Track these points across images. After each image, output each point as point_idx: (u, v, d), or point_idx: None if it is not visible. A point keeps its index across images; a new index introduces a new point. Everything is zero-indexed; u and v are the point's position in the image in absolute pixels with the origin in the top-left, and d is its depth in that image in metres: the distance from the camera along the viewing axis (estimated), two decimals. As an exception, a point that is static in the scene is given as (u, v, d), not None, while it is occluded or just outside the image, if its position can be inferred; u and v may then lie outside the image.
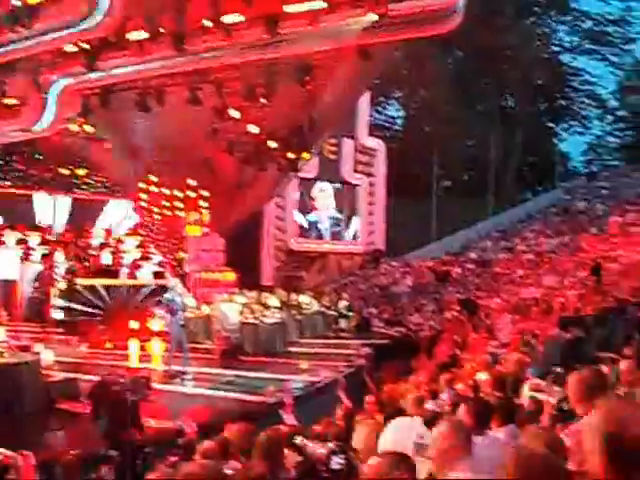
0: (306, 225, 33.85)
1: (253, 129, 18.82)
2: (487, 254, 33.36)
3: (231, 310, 19.79)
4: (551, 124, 57.22)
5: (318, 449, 6.42)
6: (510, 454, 2.64)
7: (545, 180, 50.98)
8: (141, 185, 23.12)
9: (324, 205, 34.52)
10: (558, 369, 9.38)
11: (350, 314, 23.46)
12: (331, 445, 6.30)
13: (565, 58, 56.21)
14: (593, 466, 2.53)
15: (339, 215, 35.14)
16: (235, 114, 17.26)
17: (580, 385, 4.68)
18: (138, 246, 25.98)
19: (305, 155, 21.57)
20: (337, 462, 5.54)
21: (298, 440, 6.71)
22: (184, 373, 16.59)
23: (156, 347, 18.90)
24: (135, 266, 24.74)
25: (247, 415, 11.32)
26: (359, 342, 19.26)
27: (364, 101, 33.32)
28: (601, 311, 15.29)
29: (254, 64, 14.85)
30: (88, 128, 18.68)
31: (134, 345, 18.92)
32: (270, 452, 5.07)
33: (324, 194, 34.50)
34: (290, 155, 20.79)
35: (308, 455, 6.43)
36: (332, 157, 33.56)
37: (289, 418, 10.85)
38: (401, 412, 7.63)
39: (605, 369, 6.51)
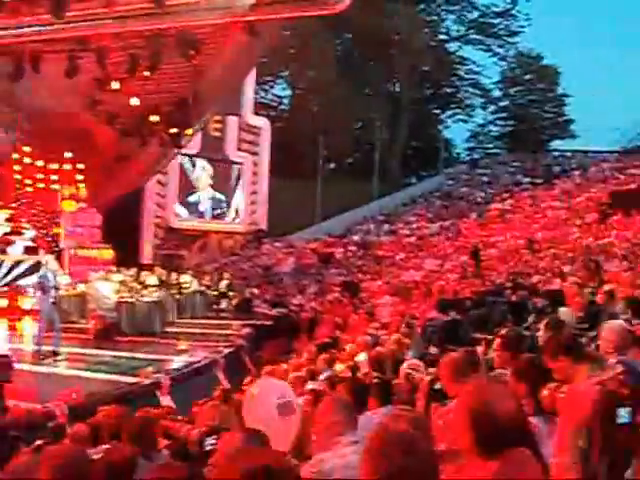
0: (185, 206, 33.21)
1: (135, 102, 18.17)
2: (370, 237, 33.75)
3: (107, 288, 19.21)
4: (436, 111, 58.53)
5: (191, 431, 6.27)
6: (370, 433, 2.55)
7: (429, 165, 52.05)
8: (14, 156, 22.01)
9: (205, 185, 33.92)
10: (435, 350, 9.52)
11: (231, 294, 23.18)
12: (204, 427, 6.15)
13: (451, 47, 57.72)
14: (462, 444, 2.59)
15: (220, 196, 34.62)
16: (116, 85, 16.58)
17: (451, 366, 4.75)
18: (8, 220, 24.76)
19: (188, 131, 21.03)
20: (210, 443, 5.37)
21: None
22: (56, 354, 15.90)
23: (26, 326, 18.13)
24: (5, 241, 23.58)
25: (122, 397, 11.01)
26: (239, 322, 19.05)
27: (250, 79, 32.88)
28: (479, 294, 15.64)
29: (138, 35, 14.32)
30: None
31: (2, 324, 18.08)
32: (141, 435, 4.94)
33: (205, 173, 33.91)
34: (172, 130, 20.21)
35: (179, 437, 6.27)
36: (216, 134, 33.03)
37: (165, 400, 10.61)
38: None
39: (480, 350, 6.60)
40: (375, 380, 6.53)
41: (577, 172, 36.52)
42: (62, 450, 3.83)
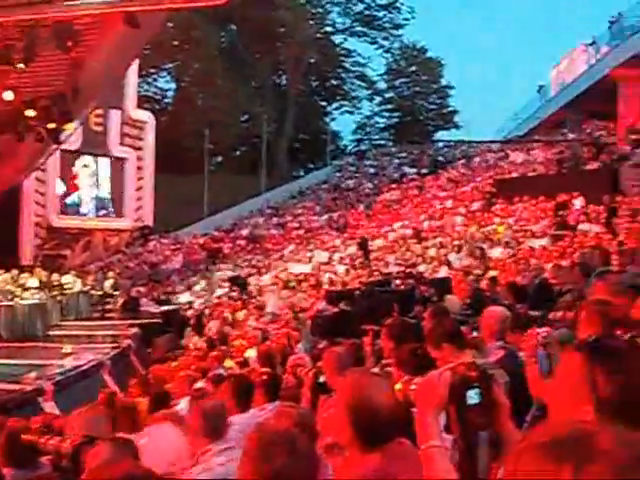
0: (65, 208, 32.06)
1: (8, 96, 17.38)
2: (258, 230, 33.62)
3: (-17, 292, 18.40)
4: (323, 103, 58.94)
5: (62, 443, 5.94)
6: (249, 435, 2.54)
7: (316, 158, 52.33)
8: None
9: (87, 183, 32.88)
10: (324, 343, 9.52)
11: (116, 293, 22.60)
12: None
13: (337, 39, 58.23)
14: (343, 439, 2.61)
15: (104, 194, 33.66)
16: (-12, 78, 15.82)
17: (333, 359, 4.74)
18: None
19: (68, 126, 20.30)
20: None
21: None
22: None
23: None
24: None
25: (2, 406, 10.52)
26: (126, 322, 18.60)
27: (132, 71, 32.03)
28: (367, 285, 15.78)
29: (11, 25, 13.68)
30: None
31: None
32: (16, 444, 4.60)
33: (87, 170, 32.86)
34: (51, 125, 19.45)
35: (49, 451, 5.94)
36: (98, 129, 32.06)
37: (49, 406, 10.23)
38: (167, 394, 7.36)
39: (367, 341, 6.62)
40: (262, 376, 6.45)
41: (461, 162, 37.46)
42: None
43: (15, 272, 21.20)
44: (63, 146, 24.20)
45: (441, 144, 47.97)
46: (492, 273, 13.49)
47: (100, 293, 22.73)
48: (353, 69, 58.62)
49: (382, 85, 60.15)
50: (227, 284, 23.10)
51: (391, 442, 2.58)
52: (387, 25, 57.88)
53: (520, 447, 1.20)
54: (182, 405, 6.56)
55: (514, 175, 28.65)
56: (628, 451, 1.10)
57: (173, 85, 53.23)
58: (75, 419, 4.41)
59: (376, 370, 4.60)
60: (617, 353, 1.98)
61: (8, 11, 12.48)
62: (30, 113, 18.58)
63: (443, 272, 15.57)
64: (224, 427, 3.88)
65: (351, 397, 2.61)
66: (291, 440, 2.38)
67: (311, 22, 54.53)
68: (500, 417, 2.18)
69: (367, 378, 2.78)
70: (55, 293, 20.76)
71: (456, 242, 20.40)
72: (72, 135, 23.40)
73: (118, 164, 33.87)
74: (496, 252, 17.46)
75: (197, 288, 24.36)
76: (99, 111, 30.36)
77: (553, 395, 2.04)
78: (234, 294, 21.28)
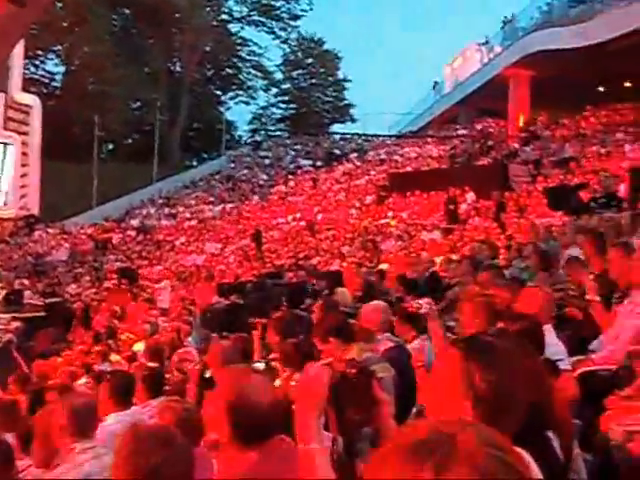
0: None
1: None
2: (150, 221, 33.00)
3: None
4: (218, 92, 58.29)
5: None
6: (122, 434, 2.53)
7: (211, 148, 51.77)
8: None
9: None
10: (214, 336, 9.38)
11: (-2, 286, 21.69)
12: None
13: (234, 27, 57.65)
14: (221, 436, 2.57)
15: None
16: None
17: (218, 354, 4.67)
18: None
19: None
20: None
21: None
22: None
23: None
24: None
25: None
26: (8, 316, 17.84)
27: (18, 53, 30.68)
28: (259, 277, 15.69)
29: None
30: None
31: None
32: None
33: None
34: None
35: None
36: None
37: None
38: (46, 391, 7.10)
39: (256, 335, 6.56)
40: (145, 371, 6.30)
41: (356, 155, 37.84)
42: None
43: None
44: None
45: (336, 137, 48.31)
46: (383, 266, 13.62)
47: (-20, 286, 21.76)
48: (249, 59, 58.24)
49: (279, 76, 60.17)
50: (116, 276, 22.52)
51: (270, 440, 2.55)
52: (285, 15, 57.85)
53: (382, 450, 1.17)
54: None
55: (407, 169, 29.16)
56: (488, 451, 1.09)
57: (62, 68, 51.52)
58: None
59: (261, 365, 4.55)
60: (491, 349, 2.02)
61: None
62: None
63: (336, 265, 15.62)
64: (92, 426, 3.73)
65: (229, 394, 2.57)
66: (167, 437, 2.35)
67: (207, 9, 53.89)
68: (380, 413, 2.18)
69: (246, 375, 2.72)
70: None
71: (349, 235, 20.57)
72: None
73: (1, 149, 32.38)
74: (388, 245, 17.68)
75: (84, 280, 23.66)
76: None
77: (432, 392, 2.08)
78: (123, 286, 20.76)
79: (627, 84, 28.62)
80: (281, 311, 7.21)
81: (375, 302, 6.14)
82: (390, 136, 42.42)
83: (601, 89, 29.28)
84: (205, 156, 52.36)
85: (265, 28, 57.70)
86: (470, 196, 20.47)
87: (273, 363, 4.45)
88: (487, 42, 35.71)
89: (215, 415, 2.59)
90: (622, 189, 13.90)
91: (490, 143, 28.52)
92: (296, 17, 57.71)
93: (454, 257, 12.54)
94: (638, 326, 4.74)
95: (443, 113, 39.12)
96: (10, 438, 5.15)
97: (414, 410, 4.67)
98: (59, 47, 49.08)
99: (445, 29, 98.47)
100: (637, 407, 3.62)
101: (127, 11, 51.35)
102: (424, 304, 4.63)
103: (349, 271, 12.18)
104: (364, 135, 44.78)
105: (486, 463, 1.07)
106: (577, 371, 4.51)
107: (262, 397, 2.56)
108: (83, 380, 8.01)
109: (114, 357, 10.25)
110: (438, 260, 12.58)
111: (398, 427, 2.20)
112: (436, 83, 42.79)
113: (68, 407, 3.70)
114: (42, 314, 18.57)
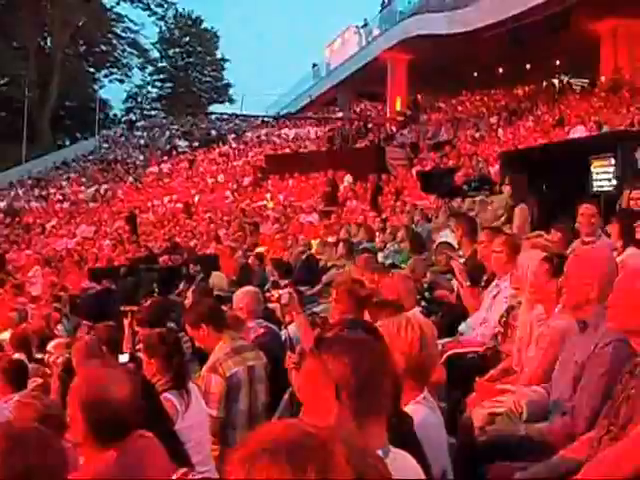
0: None
1: None
2: (18, 203, 31.71)
3: None
4: (91, 69, 56.44)
5: None
6: None
7: (84, 127, 50.22)
8: None
9: None
10: (87, 324, 9.10)
11: None
12: None
13: (108, 3, 55.73)
14: (77, 434, 2.52)
15: None
16: None
17: (82, 348, 4.59)
18: None
19: None
20: None
21: None
22: None
23: None
24: None
25: None
26: None
27: None
28: (133, 262, 15.31)
29: None
30: None
31: None
32: None
33: None
34: None
35: None
36: None
37: None
38: None
39: (126, 324, 6.38)
40: (7, 364, 6.02)
41: (234, 136, 37.57)
42: None
43: None
44: None
45: (214, 117, 47.84)
46: (260, 249, 13.57)
47: None
48: (125, 36, 56.59)
49: (155, 54, 58.94)
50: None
51: (129, 436, 2.49)
52: (161, -8, 56.60)
53: (245, 450, 1.17)
54: None
55: (286, 151, 29.16)
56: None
57: None
58: None
59: (125, 357, 4.42)
60: (340, 340, 2.10)
61: None
62: None
63: (212, 248, 15.43)
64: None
65: (84, 392, 2.50)
66: (39, 437, 2.20)
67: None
68: None
69: (102, 371, 2.63)
70: None
71: (226, 218, 20.39)
72: None
73: None
74: (265, 228, 17.62)
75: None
76: None
77: (302, 391, 2.14)
78: (-12, 272, 19.85)
79: (500, 70, 29.63)
80: (151, 298, 7.04)
81: (246, 288, 6.11)
82: (268, 117, 42.35)
83: (476, 74, 30.16)
84: (78, 136, 50.67)
85: (141, 5, 56.38)
86: (347, 179, 20.66)
87: (139, 354, 4.33)
88: (366, 25, 36.06)
89: (71, 414, 2.53)
90: (493, 172, 14.35)
91: (368, 126, 28.89)
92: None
93: (330, 240, 12.63)
94: (504, 310, 4.87)
95: (322, 95, 39.35)
96: None
97: (286, 396, 4.68)
98: None
99: (327, 10, 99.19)
100: (501, 390, 3.71)
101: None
102: (284, 294, 4.62)
103: (225, 254, 12.06)
104: (242, 116, 44.58)
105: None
106: (445, 354, 4.60)
107: (118, 393, 2.48)
108: None
109: (-24, 348, 9.77)
110: (315, 243, 12.67)
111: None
112: (315, 65, 42.98)
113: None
114: None
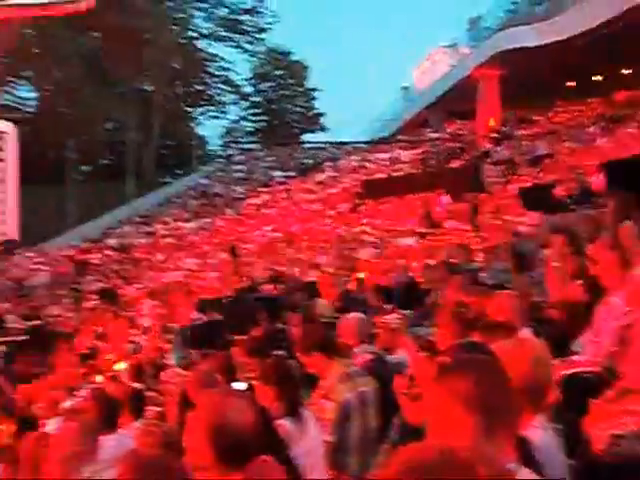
0: None
1: None
2: (127, 240, 32.88)
3: None
4: (189, 108, 58.22)
5: None
6: (121, 462, 2.52)
7: (184, 164, 51.70)
8: None
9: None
10: (195, 354, 9.38)
11: (-21, 311, 21.51)
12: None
13: (201, 44, 57.70)
14: (203, 460, 2.54)
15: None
16: None
17: (196, 376, 4.69)
18: None
19: None
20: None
21: None
22: None
23: None
24: None
25: None
26: (-8, 341, 17.73)
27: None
28: (238, 292, 15.62)
29: None
30: None
31: None
32: None
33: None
34: None
35: None
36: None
37: None
38: (32, 416, 7.09)
39: (237, 353, 6.56)
40: (128, 391, 6.31)
41: (329, 164, 37.86)
42: None
43: None
44: None
45: (308, 147, 48.40)
46: (360, 275, 13.59)
47: (-39, 312, 21.59)
48: (218, 74, 58.32)
49: (248, 89, 60.25)
50: (96, 296, 22.41)
51: (253, 461, 2.56)
52: (251, 29, 57.97)
53: (390, 474, 1.23)
54: (51, 426, 6.30)
55: (381, 175, 29.22)
56: None
57: (34, 94, 51.40)
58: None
59: (242, 385, 4.57)
60: (465, 361, 2.15)
61: None
62: None
63: (312, 276, 15.58)
64: (94, 448, 3.78)
65: (210, 417, 2.57)
66: (162, 465, 2.38)
67: (174, 27, 53.92)
68: None
69: (227, 397, 2.74)
70: None
71: (324, 245, 20.56)
72: None
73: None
74: (364, 253, 17.66)
75: (65, 302, 23.52)
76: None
77: (429, 412, 2.09)
78: (104, 306, 20.66)
79: (596, 77, 28.96)
80: (258, 328, 7.23)
81: (352, 314, 6.18)
82: (361, 143, 42.53)
83: (570, 84, 29.58)
84: (179, 172, 52.25)
85: (232, 43, 57.90)
86: (444, 199, 20.52)
87: (253, 382, 4.49)
88: (454, 44, 35.96)
89: (196, 439, 2.58)
90: (595, 183, 13.90)
91: (462, 145, 28.69)
92: (262, 30, 57.91)
93: (430, 262, 12.56)
94: (618, 328, 4.73)
95: (413, 117, 39.32)
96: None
97: (395, 420, 4.72)
98: (30, 73, 48.95)
99: (412, 33, 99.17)
100: (619, 411, 3.63)
101: (95, 34, 51.12)
102: (392, 319, 4.67)
103: (325, 281, 12.18)
104: (335, 143, 44.93)
105: None
106: (559, 373, 4.51)
107: (243, 419, 2.56)
108: (67, 403, 7.96)
109: (98, 378, 10.20)
110: (415, 266, 12.61)
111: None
112: (404, 88, 43.02)
113: (78, 430, 3.74)
114: (23, 338, 18.44)
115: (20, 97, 50.30)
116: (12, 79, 47.22)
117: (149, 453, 2.74)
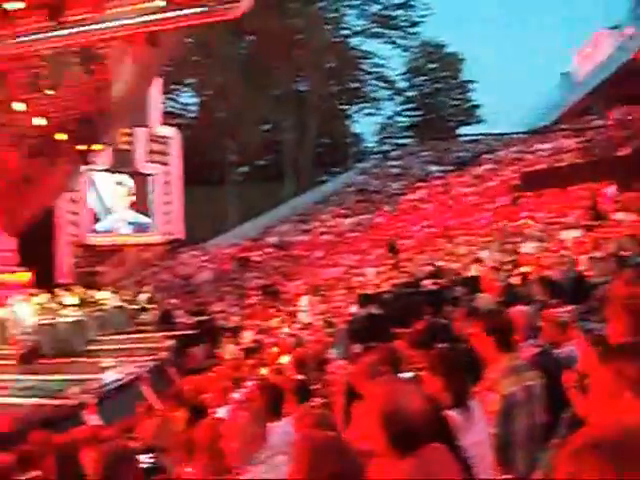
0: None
1: (40, 121, 17.78)
2: (286, 237, 33.75)
3: (26, 312, 18.67)
4: (344, 106, 58.85)
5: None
6: (296, 444, 2.62)
7: (340, 162, 52.37)
8: None
9: (119, 201, 33.33)
10: (358, 347, 9.57)
11: (151, 306, 22.84)
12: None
13: (354, 41, 58.20)
14: (375, 446, 2.60)
15: (141, 217, 34.09)
16: (20, 106, 16.21)
17: (364, 367, 4.77)
18: None
19: (97, 147, 20.74)
20: (146, 460, 5.28)
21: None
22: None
23: (-52, 357, 17.66)
24: None
25: (48, 421, 10.75)
26: (162, 334, 18.80)
27: (156, 89, 32.47)
28: (397, 287, 15.74)
29: (38, 53, 14.09)
30: None
31: None
32: (65, 459, 4.80)
33: (119, 188, 33.36)
34: (80, 147, 19.90)
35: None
36: (125, 147, 32.42)
37: (93, 419, 10.37)
38: (203, 405, 7.49)
39: (400, 345, 6.64)
40: (293, 382, 6.54)
41: (487, 156, 37.21)
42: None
43: (54, 291, 21.48)
44: (93, 166, 24.77)
45: (465, 139, 47.73)
46: (523, 269, 13.32)
47: (136, 307, 22.97)
48: (372, 70, 58.69)
49: (403, 84, 60.12)
50: (258, 292, 23.26)
51: (425, 448, 2.61)
52: (404, 24, 57.87)
53: (575, 448, 1.24)
54: (221, 414, 6.66)
55: (541, 166, 28.40)
56: None
57: (195, 100, 53.83)
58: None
59: (409, 374, 4.65)
60: (633, 347, 2.15)
61: (34, 41, 12.87)
62: (60, 136, 19.08)
63: (473, 270, 15.45)
64: (265, 435, 3.99)
65: (382, 404, 2.63)
66: (340, 447, 2.44)
67: (327, 27, 54.71)
68: None
69: (396, 385, 2.80)
70: (92, 309, 20.97)
71: (485, 238, 20.29)
72: (101, 155, 23.84)
73: (146, 180, 34.28)
74: (527, 247, 17.30)
75: (229, 298, 24.51)
76: (126, 130, 30.78)
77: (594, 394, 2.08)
78: (266, 302, 21.43)
79: None
80: (424, 320, 7.28)
81: (518, 307, 6.09)
82: (520, 134, 41.48)
83: None
84: (336, 170, 52.97)
85: (385, 39, 58.03)
86: (611, 189, 19.69)
87: (420, 373, 4.54)
88: (617, 26, 34.38)
89: (368, 426, 2.65)
90: None
91: (629, 132, 27.36)
92: (415, 24, 57.67)
93: (598, 255, 12.15)
94: None
95: (575, 104, 37.91)
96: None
97: (565, 416, 4.64)
98: (192, 80, 51.28)
99: (571, 17, 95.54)
100: None
101: (251, 38, 52.80)
102: (563, 313, 4.56)
103: (488, 276, 12.07)
104: (493, 135, 44.07)
105: None
106: None
107: (413, 405, 2.61)
108: (235, 394, 8.33)
109: (263, 370, 10.61)
110: (582, 259, 12.24)
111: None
112: (565, 74, 41.57)
113: (253, 416, 3.98)
114: (192, 332, 19.41)
115: (182, 103, 53.01)
116: (176, 87, 49.72)
117: (324, 436, 2.85)
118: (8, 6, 11.81)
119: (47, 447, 5.26)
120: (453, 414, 3.85)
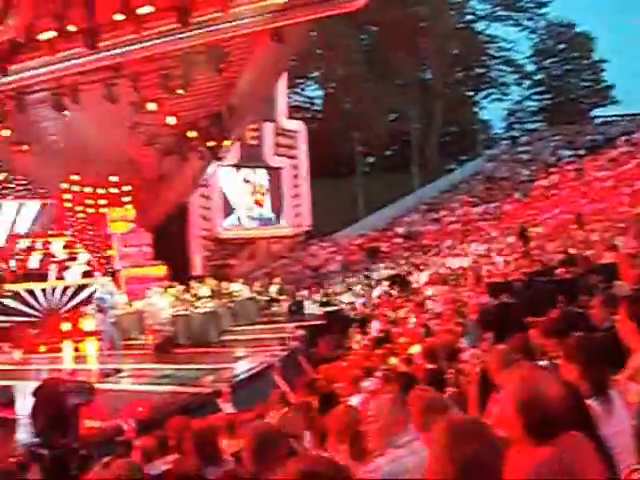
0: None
1: (171, 120, 18.54)
2: (414, 227, 33.64)
3: (162, 303, 19.46)
4: (470, 93, 57.95)
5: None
6: (435, 427, 2.58)
7: (468, 149, 51.62)
8: (63, 185, 22.66)
9: (247, 201, 34.24)
10: (489, 336, 9.48)
11: (282, 297, 23.33)
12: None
13: (479, 26, 57.15)
14: (513, 433, 2.61)
15: (265, 205, 34.86)
16: (152, 107, 16.93)
17: (498, 356, 4.77)
18: (65, 247, 25.25)
19: (226, 142, 21.38)
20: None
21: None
22: (119, 371, 16.19)
23: (90, 347, 18.62)
24: (62, 267, 24.08)
25: (185, 408, 11.13)
26: (293, 325, 19.15)
27: (282, 83, 33.04)
28: (528, 275, 15.43)
29: (168, 55, 14.69)
30: (4, 132, 17.84)
31: (68, 347, 18.54)
32: (203, 444, 5.02)
33: (248, 184, 34.23)
34: (211, 144, 20.58)
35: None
36: (253, 142, 33.20)
37: (227, 407, 10.70)
38: (334, 393, 7.62)
39: (534, 334, 6.54)
40: (425, 372, 6.55)
41: (622, 139, 35.74)
42: (120, 466, 4.04)
43: (188, 283, 22.29)
44: (223, 162, 25.54)
45: (598, 122, 46.01)
46: (664, 255, 12.77)
47: (267, 298, 23.52)
48: (498, 55, 57.42)
49: (530, 67, 58.56)
50: (387, 283, 23.29)
51: (563, 435, 2.59)
52: (530, 5, 56.26)
53: None
54: (353, 402, 6.76)
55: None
56: None
57: (320, 92, 54.36)
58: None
59: (544, 363, 4.59)
60: None
61: (163, 43, 13.40)
62: (192, 134, 19.82)
63: (608, 257, 14.91)
64: (407, 419, 4.06)
65: (520, 392, 2.63)
66: (480, 429, 2.43)
67: (451, 13, 53.92)
68: None
69: (535, 372, 2.78)
70: (225, 300, 21.58)
71: (621, 224, 19.54)
72: (230, 150, 24.54)
73: (275, 174, 35.00)
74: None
75: (357, 288, 24.67)
76: (253, 125, 31.50)
77: None
78: (394, 292, 21.44)
79: None
80: (559, 308, 7.13)
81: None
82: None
83: None
84: (463, 158, 52.18)
85: (511, 21, 56.60)
86: None
87: (555, 361, 4.47)
88: None
89: (506, 413, 2.65)
90: None
91: None
92: (542, 4, 55.96)
93: None
94: None
95: None
96: (307, 436, 5.70)
97: None
98: (316, 73, 51.84)
99: None
100: None
101: (373, 29, 52.73)
102: None
103: (625, 263, 11.64)
104: (629, 116, 42.28)
105: None
106: None
107: (552, 393, 2.60)
108: (366, 383, 8.42)
109: (392, 360, 10.64)
110: None
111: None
112: None
113: (393, 402, 4.08)
114: (322, 322, 19.69)
115: (308, 96, 53.63)
116: (300, 80, 50.36)
117: (464, 418, 2.87)
118: (139, 10, 12.35)
119: (186, 433, 5.48)
120: (592, 403, 3.77)
